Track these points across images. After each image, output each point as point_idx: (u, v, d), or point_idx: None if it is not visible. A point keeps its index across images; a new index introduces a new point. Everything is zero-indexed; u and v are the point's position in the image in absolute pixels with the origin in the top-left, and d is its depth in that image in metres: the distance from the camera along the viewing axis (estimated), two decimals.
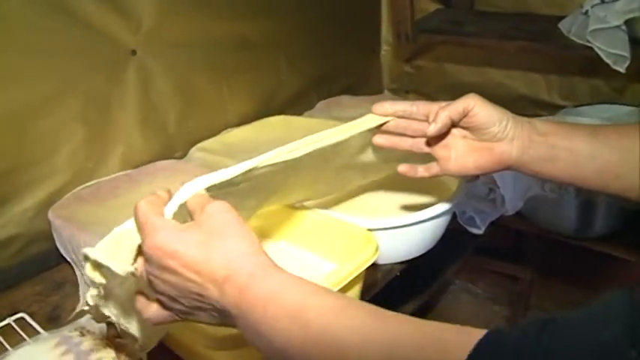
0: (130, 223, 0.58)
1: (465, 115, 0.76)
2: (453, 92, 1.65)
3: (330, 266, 0.95)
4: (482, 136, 0.77)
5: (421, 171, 0.85)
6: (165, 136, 1.27)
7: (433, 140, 0.80)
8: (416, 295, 1.01)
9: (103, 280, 0.57)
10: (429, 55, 1.73)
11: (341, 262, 0.92)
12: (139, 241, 0.56)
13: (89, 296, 0.59)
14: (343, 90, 1.67)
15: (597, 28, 1.18)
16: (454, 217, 1.16)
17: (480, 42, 1.35)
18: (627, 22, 1.17)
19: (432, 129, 0.76)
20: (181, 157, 1.30)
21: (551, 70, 1.54)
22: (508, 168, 0.79)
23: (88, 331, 0.84)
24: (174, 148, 1.30)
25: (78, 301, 1.02)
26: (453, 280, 1.81)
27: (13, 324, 0.94)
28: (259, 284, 0.51)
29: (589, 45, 1.22)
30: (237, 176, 0.66)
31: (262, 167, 0.70)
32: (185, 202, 0.59)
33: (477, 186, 1.19)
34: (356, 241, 0.89)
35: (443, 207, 0.98)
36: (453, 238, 1.13)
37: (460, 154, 0.80)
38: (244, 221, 0.56)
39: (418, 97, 1.80)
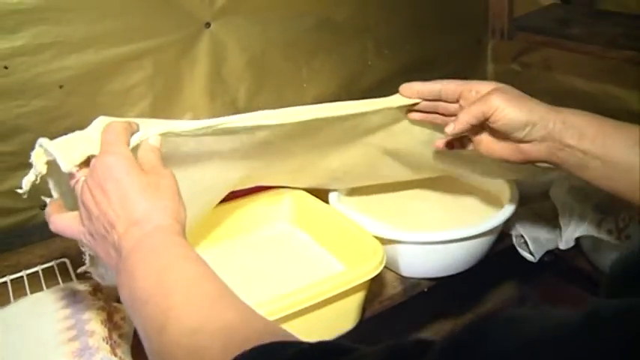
0: (94, 132, 0.62)
1: (485, 119, 0.71)
2: (558, 99, 1.52)
3: (339, 268, 0.93)
4: (507, 136, 0.73)
5: (456, 145, 0.83)
6: (234, 111, 1.30)
7: None
8: (447, 316, 0.95)
9: (43, 170, 0.62)
10: (538, 53, 1.58)
11: (349, 266, 0.90)
12: (93, 152, 0.60)
13: (25, 180, 0.64)
14: None
15: None
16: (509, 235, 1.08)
17: (581, 47, 1.21)
18: None
19: (450, 129, 0.74)
20: None
21: None
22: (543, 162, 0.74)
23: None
24: None
25: None
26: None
27: (56, 267, 1.05)
28: (156, 237, 0.54)
29: None
30: (199, 129, 0.68)
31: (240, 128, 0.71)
32: (138, 145, 0.63)
33: (540, 207, 1.09)
34: (364, 249, 0.86)
35: (481, 227, 0.92)
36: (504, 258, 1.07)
37: (490, 142, 0.77)
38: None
39: None
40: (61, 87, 1.08)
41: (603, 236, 0.92)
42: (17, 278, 1.02)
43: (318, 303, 0.77)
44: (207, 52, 1.22)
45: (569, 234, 0.96)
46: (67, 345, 0.76)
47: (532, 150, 0.72)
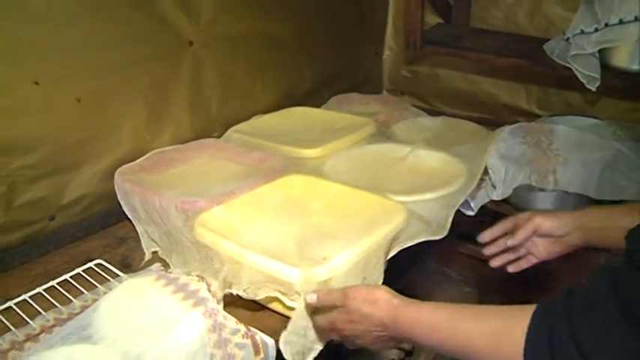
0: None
1: (534, 232, 1.11)
2: (443, 97, 1.97)
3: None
4: (551, 237, 1.11)
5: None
6: (208, 118, 1.52)
7: None
8: (396, 278, 1.25)
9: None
10: (425, 61, 2.02)
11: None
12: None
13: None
14: (348, 88, 1.95)
15: (576, 54, 1.49)
16: None
17: (478, 56, 1.65)
18: (600, 51, 1.48)
19: (511, 242, 1.13)
20: (219, 137, 1.54)
21: (532, 82, 1.85)
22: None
23: (171, 272, 1.08)
24: (213, 128, 1.54)
25: (143, 253, 1.24)
26: (429, 263, 2.09)
27: (95, 267, 1.17)
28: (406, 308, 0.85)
29: (568, 66, 1.52)
30: None
31: None
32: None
33: None
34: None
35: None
36: None
37: (544, 245, 1.13)
38: None
39: (412, 100, 2.10)
40: (78, 101, 1.21)
41: (533, 183, 1.33)
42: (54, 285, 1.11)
43: None
44: (190, 67, 1.43)
45: (505, 187, 1.36)
46: (194, 309, 0.94)
47: (569, 240, 1.09)
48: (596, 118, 1.75)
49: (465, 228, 1.43)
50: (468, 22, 1.89)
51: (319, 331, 0.94)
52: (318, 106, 1.79)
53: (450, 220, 1.22)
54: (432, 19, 1.92)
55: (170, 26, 1.35)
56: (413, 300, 0.86)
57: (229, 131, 1.54)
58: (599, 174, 1.35)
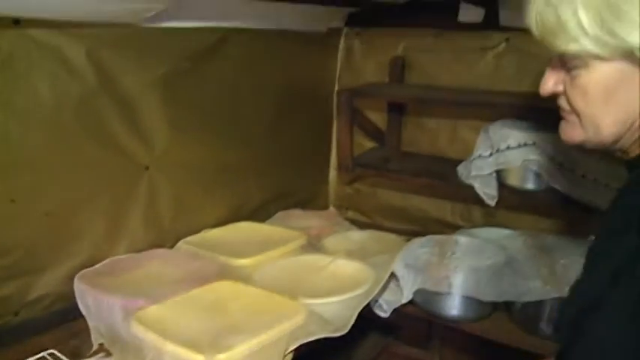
0: None
1: None
2: (381, 212, 2.24)
3: None
4: None
5: None
6: (161, 231, 1.79)
7: None
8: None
9: None
10: (366, 181, 2.32)
11: None
12: None
13: None
14: (297, 204, 2.24)
15: (476, 174, 1.77)
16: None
17: (398, 177, 1.94)
18: (497, 171, 1.77)
19: None
20: (171, 247, 1.81)
21: (456, 199, 2.13)
22: None
23: None
24: (166, 240, 1.81)
25: (92, 345, 1.48)
26: None
27: (48, 357, 1.41)
28: None
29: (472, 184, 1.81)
30: None
31: None
32: None
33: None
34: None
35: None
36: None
37: None
38: None
39: (356, 215, 2.39)
40: (47, 215, 1.50)
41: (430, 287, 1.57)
42: None
43: None
44: (146, 189, 1.72)
45: (409, 290, 1.60)
46: None
47: None
48: (510, 228, 2.01)
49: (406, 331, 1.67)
50: (399, 146, 2.20)
51: None
52: (264, 220, 2.07)
53: (353, 320, 1.46)
54: (368, 143, 2.24)
55: (128, 154, 1.65)
56: None
57: (180, 242, 1.81)
58: (487, 279, 1.59)
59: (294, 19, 2.05)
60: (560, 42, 0.79)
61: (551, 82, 0.88)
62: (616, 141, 0.85)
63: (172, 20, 1.62)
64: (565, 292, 1.50)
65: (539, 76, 1.93)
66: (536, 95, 1.85)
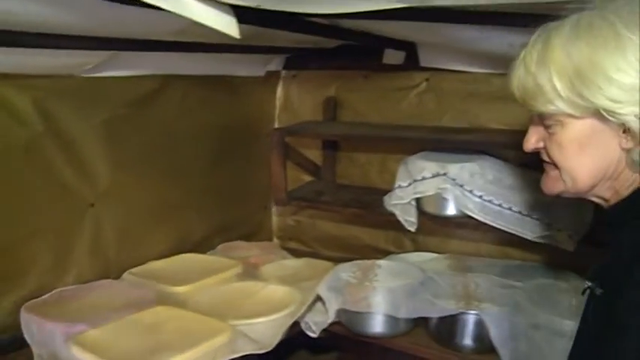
0: None
1: None
2: (321, 241, 2.41)
3: None
4: None
5: None
6: (106, 263, 1.94)
7: None
8: None
9: None
10: (306, 212, 2.50)
11: None
12: None
13: None
14: (241, 236, 2.40)
15: (397, 203, 1.94)
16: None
17: (330, 208, 2.12)
18: (418, 200, 1.95)
19: None
20: (116, 278, 1.95)
21: (386, 227, 2.31)
22: None
23: None
24: (111, 271, 1.95)
25: None
26: None
27: None
28: None
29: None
30: None
31: None
32: None
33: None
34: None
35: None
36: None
37: None
38: None
39: (298, 245, 2.56)
40: None
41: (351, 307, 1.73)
42: None
43: None
44: (92, 224, 1.87)
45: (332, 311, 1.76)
46: None
47: None
48: (436, 252, 2.19)
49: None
50: (334, 179, 2.39)
51: None
52: (206, 252, 2.22)
53: (278, 338, 1.62)
54: (306, 177, 2.42)
55: (74, 192, 1.81)
56: None
57: (125, 273, 1.96)
58: (402, 297, 1.75)
59: (232, 65, 2.25)
60: (538, 103, 0.93)
61: (533, 140, 1.02)
62: (591, 190, 0.97)
63: (111, 70, 1.80)
64: (475, 307, 1.70)
65: (457, 111, 2.15)
66: (452, 130, 2.05)
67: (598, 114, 0.89)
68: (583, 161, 0.95)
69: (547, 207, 1.77)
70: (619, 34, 0.85)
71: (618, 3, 0.89)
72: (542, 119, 0.98)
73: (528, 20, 1.46)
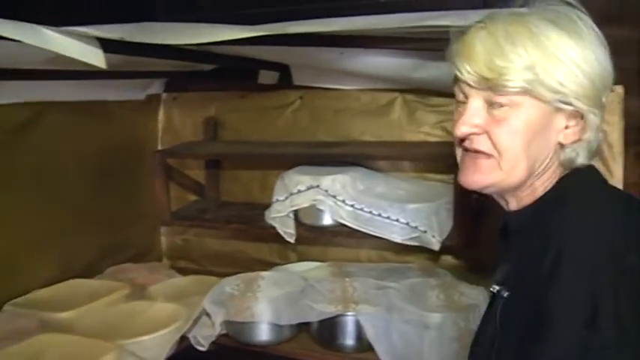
0: None
1: None
2: (210, 259, 2.47)
3: None
4: None
5: None
6: None
7: None
8: None
9: None
10: (192, 231, 2.57)
11: None
12: None
13: None
14: (130, 258, 2.43)
15: (275, 216, 2.05)
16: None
17: (214, 225, 2.21)
18: (296, 212, 2.06)
19: None
20: None
21: (269, 240, 2.41)
22: None
23: None
24: None
25: None
26: None
27: None
28: None
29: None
30: None
31: None
32: None
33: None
34: None
35: None
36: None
37: None
38: None
39: (187, 263, 2.61)
40: None
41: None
42: None
43: None
44: None
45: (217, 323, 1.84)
46: None
47: None
48: (318, 261, 2.31)
49: None
50: (219, 197, 2.47)
51: None
52: (94, 276, 2.23)
53: (166, 354, 1.68)
54: (191, 196, 2.49)
55: None
56: None
57: (6, 305, 1.95)
58: (283, 305, 1.86)
59: (111, 90, 2.29)
60: (504, 78, 0.89)
61: (475, 120, 0.95)
62: (519, 187, 0.97)
63: None
64: (352, 309, 1.82)
65: (330, 125, 2.29)
66: (325, 144, 2.17)
67: (555, 102, 0.91)
68: (530, 150, 0.94)
69: (413, 212, 1.93)
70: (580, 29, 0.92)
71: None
72: (490, 101, 0.94)
73: (377, 41, 1.64)
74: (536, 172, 0.96)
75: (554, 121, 0.94)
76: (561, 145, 0.95)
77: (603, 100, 0.95)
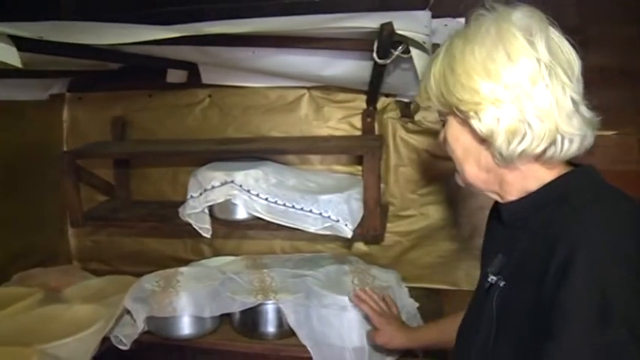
0: None
1: None
2: (123, 259, 2.46)
3: None
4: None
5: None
6: None
7: None
8: None
9: None
10: (104, 232, 2.55)
11: None
12: None
13: None
14: (38, 263, 2.37)
15: (191, 212, 2.08)
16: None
17: (127, 224, 2.20)
18: (210, 207, 2.10)
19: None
20: None
21: (183, 236, 2.45)
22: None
23: None
24: None
25: None
26: None
27: None
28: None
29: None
30: None
31: None
32: None
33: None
34: None
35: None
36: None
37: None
38: None
39: (99, 265, 2.58)
40: None
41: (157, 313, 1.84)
42: None
43: None
44: None
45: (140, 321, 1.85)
46: None
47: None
48: (233, 255, 2.37)
49: None
50: (130, 196, 2.46)
51: None
52: (1, 284, 2.17)
53: (90, 355, 1.68)
54: (100, 197, 2.46)
55: None
56: None
57: None
58: (204, 298, 1.90)
59: (11, 89, 2.22)
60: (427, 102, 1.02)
61: (441, 136, 1.07)
62: (485, 187, 1.04)
63: None
64: (272, 298, 1.89)
65: (239, 123, 2.35)
66: (236, 140, 2.23)
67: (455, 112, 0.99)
68: (465, 158, 1.03)
69: (325, 203, 2.02)
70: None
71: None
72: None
73: (288, 40, 1.72)
74: (492, 176, 1.02)
75: (465, 128, 1.00)
76: (482, 141, 0.99)
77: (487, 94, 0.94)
